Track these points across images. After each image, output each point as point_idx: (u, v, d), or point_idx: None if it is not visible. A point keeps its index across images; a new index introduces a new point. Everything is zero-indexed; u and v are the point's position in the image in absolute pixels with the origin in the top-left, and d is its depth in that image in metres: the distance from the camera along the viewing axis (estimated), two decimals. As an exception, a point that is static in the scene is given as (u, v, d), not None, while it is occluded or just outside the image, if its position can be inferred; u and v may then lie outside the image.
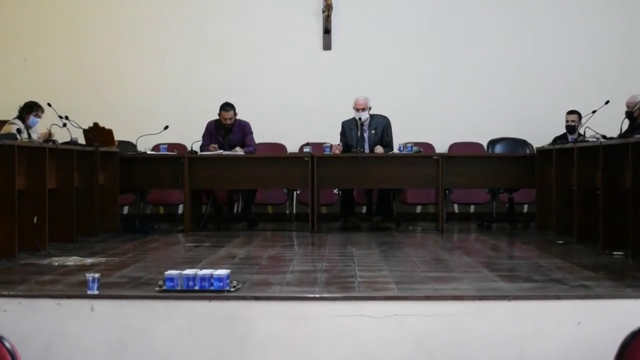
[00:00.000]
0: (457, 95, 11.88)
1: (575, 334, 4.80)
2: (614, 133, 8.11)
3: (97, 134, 9.60)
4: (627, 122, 8.96)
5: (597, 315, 4.87)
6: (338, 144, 10.26)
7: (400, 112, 11.19)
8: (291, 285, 5.53)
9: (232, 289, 5.09)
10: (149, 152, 10.41)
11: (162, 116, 11.23)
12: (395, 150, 10.18)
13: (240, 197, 11.08)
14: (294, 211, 11.53)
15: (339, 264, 6.92)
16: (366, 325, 4.82)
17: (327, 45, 12.00)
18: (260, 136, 10.81)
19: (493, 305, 4.92)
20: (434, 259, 7.36)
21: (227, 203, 10.98)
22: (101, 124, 9.74)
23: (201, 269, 5.30)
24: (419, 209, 11.93)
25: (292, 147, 11.65)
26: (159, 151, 10.37)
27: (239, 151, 10.28)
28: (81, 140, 9.39)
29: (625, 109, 9.20)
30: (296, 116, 11.78)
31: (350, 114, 10.50)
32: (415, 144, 10.24)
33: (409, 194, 11.63)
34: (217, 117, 10.59)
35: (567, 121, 10.25)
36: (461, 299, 4.99)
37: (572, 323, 4.83)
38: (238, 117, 10.60)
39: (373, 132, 10.43)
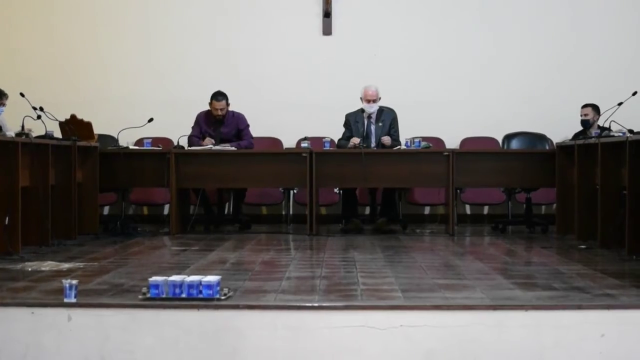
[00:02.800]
0: (469, 86, 11.88)
1: (599, 347, 4.80)
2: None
3: (75, 126, 9.59)
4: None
5: (623, 327, 4.88)
6: (356, 138, 10.25)
7: (407, 104, 11.19)
8: (287, 293, 5.53)
9: (223, 297, 5.09)
10: (131, 146, 10.40)
11: (146, 107, 11.22)
12: (403, 146, 10.17)
13: (231, 196, 11.08)
14: (291, 212, 11.53)
15: (339, 270, 6.92)
16: (370, 338, 4.82)
17: (327, 30, 12.00)
18: (254, 130, 10.79)
19: (508, 316, 4.92)
20: (444, 264, 7.37)
21: (217, 203, 10.98)
22: (79, 116, 9.73)
23: (189, 275, 5.30)
24: (427, 210, 11.94)
25: (289, 142, 11.65)
26: (143, 146, 10.36)
27: (229, 146, 10.25)
28: (57, 133, 9.38)
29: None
30: (293, 108, 11.78)
31: (352, 105, 10.50)
32: (424, 138, 10.23)
33: (416, 193, 11.64)
34: (207, 107, 10.57)
35: (581, 115, 10.26)
36: (474, 308, 4.99)
37: (596, 335, 4.83)
38: (231, 108, 10.59)
39: (380, 124, 10.42)
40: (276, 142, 11.77)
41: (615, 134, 8.54)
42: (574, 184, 9.30)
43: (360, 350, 4.82)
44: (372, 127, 10.44)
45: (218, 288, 5.08)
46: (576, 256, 7.84)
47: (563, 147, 9.86)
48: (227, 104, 10.52)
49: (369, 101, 10.36)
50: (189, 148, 10.26)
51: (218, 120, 10.55)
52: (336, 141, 10.76)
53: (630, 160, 7.55)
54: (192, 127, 10.62)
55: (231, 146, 10.25)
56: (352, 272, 6.65)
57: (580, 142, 9.24)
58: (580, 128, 10.28)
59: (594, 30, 11.89)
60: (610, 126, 8.94)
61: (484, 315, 4.93)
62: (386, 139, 10.23)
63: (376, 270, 6.78)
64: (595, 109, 10.11)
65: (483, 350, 4.82)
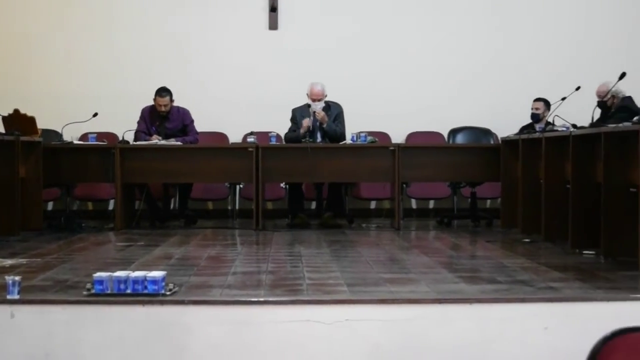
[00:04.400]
0: (415, 81, 11.93)
1: (542, 340, 4.85)
2: (587, 123, 8.19)
3: (18, 121, 9.49)
4: (598, 111, 9.07)
5: (566, 320, 4.93)
6: (307, 119, 10.28)
7: (354, 99, 11.21)
8: (233, 288, 5.52)
9: (168, 293, 5.07)
10: (76, 141, 10.33)
11: (90, 102, 11.10)
12: (348, 141, 10.20)
13: (177, 191, 11.03)
14: (237, 207, 11.51)
15: (285, 264, 6.93)
16: (315, 332, 4.83)
17: (273, 25, 11.98)
18: (199, 125, 10.76)
19: (453, 309, 4.96)
20: (390, 259, 7.40)
21: (162, 198, 10.94)
22: (22, 111, 9.63)
23: (134, 270, 5.27)
24: (373, 204, 11.97)
25: (235, 137, 11.62)
26: (87, 141, 10.30)
27: (174, 141, 10.21)
28: (0, 128, 9.29)
29: (595, 97, 9.34)
30: (239, 103, 11.76)
31: (299, 100, 10.51)
32: (370, 133, 10.26)
33: (362, 188, 11.67)
34: (152, 102, 10.53)
35: (532, 109, 10.35)
36: (419, 302, 5.02)
37: (539, 328, 4.88)
38: (175, 103, 10.55)
39: (326, 119, 10.44)
40: (222, 137, 11.74)
41: (559, 129, 8.62)
42: (518, 178, 9.39)
43: (306, 344, 4.82)
44: (318, 123, 10.45)
45: (163, 283, 5.06)
46: (520, 250, 7.91)
47: (508, 142, 9.94)
48: (171, 100, 10.48)
49: (314, 100, 10.37)
50: (135, 143, 10.20)
51: (163, 116, 10.50)
52: (282, 136, 10.76)
53: (573, 154, 7.62)
54: (138, 122, 10.57)
55: (176, 141, 10.21)
56: (298, 266, 6.66)
57: (525, 136, 9.32)
58: (525, 122, 10.37)
59: (538, 26, 11.99)
60: (554, 121, 9.03)
61: (429, 309, 4.96)
62: (319, 111, 10.25)
63: (322, 264, 6.80)
64: (547, 104, 10.20)
65: (428, 343, 4.84)
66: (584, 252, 7.34)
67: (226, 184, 11.41)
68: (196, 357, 4.82)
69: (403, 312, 4.92)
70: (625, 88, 9.07)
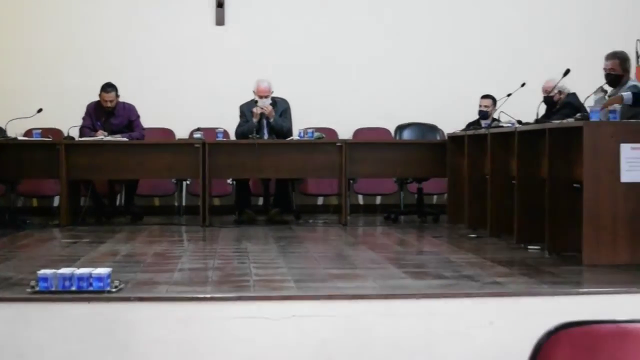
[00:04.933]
0: (362, 77, 11.95)
1: (487, 334, 4.88)
2: (532, 119, 8.25)
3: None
4: (543, 106, 9.16)
5: (511, 314, 4.97)
6: (257, 107, 10.27)
7: (300, 95, 11.21)
8: (179, 285, 5.50)
9: (114, 290, 5.04)
10: (20, 137, 10.22)
11: (35, 98, 11.02)
12: (295, 137, 10.19)
13: (123, 188, 10.96)
14: (184, 203, 11.47)
15: (232, 261, 6.91)
16: (262, 328, 4.82)
17: (220, 20, 11.94)
18: (145, 121, 10.70)
19: (400, 305, 4.97)
20: (337, 254, 7.41)
21: (108, 195, 10.86)
22: (-35, 106, 9.54)
23: (79, 267, 5.23)
24: (320, 200, 11.99)
25: (182, 133, 11.58)
26: (32, 137, 10.20)
27: (120, 137, 10.14)
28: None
29: (541, 93, 9.42)
30: (186, 99, 11.71)
31: (246, 96, 10.49)
32: (317, 129, 10.28)
33: (309, 184, 11.68)
34: (98, 98, 10.44)
35: (480, 106, 10.41)
36: (365, 298, 5.03)
37: (484, 323, 4.91)
38: (121, 99, 10.48)
39: (270, 120, 10.43)
40: (168, 133, 11.68)
41: (505, 125, 8.69)
42: (464, 174, 9.45)
43: (253, 340, 4.81)
44: (264, 120, 10.43)
45: (109, 280, 5.02)
46: (466, 245, 7.95)
47: (454, 138, 10.00)
48: (117, 96, 10.40)
49: (261, 96, 10.35)
50: (80, 139, 10.12)
51: (108, 112, 10.43)
52: (230, 132, 10.74)
53: (518, 150, 7.69)
54: (83, 118, 10.48)
55: (122, 137, 10.14)
56: (244, 263, 6.65)
57: (471, 132, 9.38)
58: (471, 118, 10.43)
59: (483, 23, 12.07)
60: (499, 117, 9.10)
61: (376, 304, 4.98)
62: (267, 105, 10.25)
63: (269, 261, 6.79)
64: (494, 101, 10.26)
65: (375, 339, 4.85)
66: (529, 247, 7.40)
67: (173, 180, 11.36)
68: (142, 354, 4.79)
69: (350, 307, 4.93)
70: (570, 84, 9.16)
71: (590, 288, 5.49)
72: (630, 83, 7.88)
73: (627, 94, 7.30)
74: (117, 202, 11.09)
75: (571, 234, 6.74)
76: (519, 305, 5.05)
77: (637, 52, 11.88)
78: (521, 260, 6.79)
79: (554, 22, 12.06)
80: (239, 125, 10.53)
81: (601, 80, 7.87)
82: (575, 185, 6.72)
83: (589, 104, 7.93)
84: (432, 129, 11.73)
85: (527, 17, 12.08)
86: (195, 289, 5.35)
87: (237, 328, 4.82)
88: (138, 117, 10.56)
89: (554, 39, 11.95)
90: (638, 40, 11.99)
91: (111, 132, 10.27)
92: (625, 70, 7.88)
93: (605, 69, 7.93)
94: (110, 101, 10.36)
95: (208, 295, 5.05)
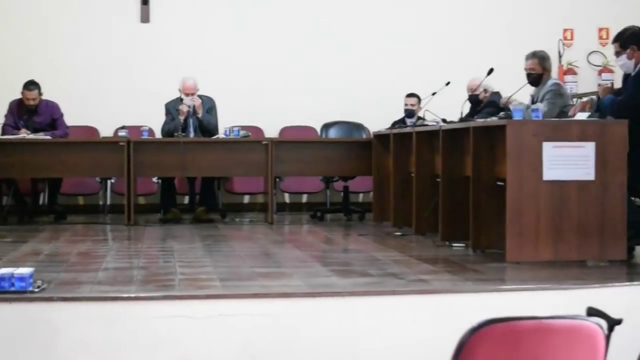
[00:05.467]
0: (288, 76, 11.93)
1: (412, 331, 4.92)
2: (457, 118, 8.33)
3: None
4: (467, 105, 9.26)
5: (435, 311, 5.02)
6: (185, 105, 10.21)
7: (226, 93, 11.16)
8: (104, 284, 5.45)
9: (37, 290, 4.97)
10: (-60, 135, 10.06)
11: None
12: (221, 135, 10.16)
13: (46, 186, 10.82)
14: (108, 202, 11.35)
15: (158, 260, 6.88)
16: (187, 327, 4.79)
17: (145, 18, 11.85)
18: (69, 119, 10.57)
19: (325, 303, 4.99)
20: (263, 253, 7.41)
21: (31, 193, 10.72)
22: None
23: (1, 267, 5.16)
24: (246, 198, 11.96)
25: (106, 131, 11.46)
26: (-48, 135, 10.03)
27: (43, 136, 10.01)
28: None
29: (466, 92, 9.52)
30: (110, 97, 11.59)
31: (171, 94, 10.42)
32: (243, 127, 10.25)
33: (235, 182, 11.65)
34: (20, 96, 10.30)
35: (405, 105, 10.47)
36: (291, 296, 5.04)
37: (409, 320, 4.95)
38: (44, 97, 10.35)
39: (199, 114, 10.38)
40: (93, 131, 11.56)
41: (429, 123, 8.76)
42: (389, 172, 9.49)
43: (178, 340, 4.79)
44: (190, 118, 10.38)
45: (31, 280, 4.95)
46: (392, 243, 8.01)
47: (379, 136, 10.05)
48: (40, 94, 10.26)
49: (187, 94, 10.30)
50: (2, 137, 9.97)
51: (31, 110, 10.28)
52: (156, 130, 10.68)
53: (443, 148, 7.75)
54: (5, 116, 10.33)
55: (45, 136, 10.02)
56: (170, 261, 6.62)
57: (396, 131, 9.44)
58: (397, 117, 10.49)
59: (409, 22, 12.14)
60: (424, 115, 9.17)
61: (302, 302, 4.99)
62: (196, 98, 10.21)
63: (195, 259, 6.77)
64: (419, 99, 10.32)
65: (300, 337, 4.86)
66: (454, 244, 7.46)
67: (97, 178, 11.24)
68: (66, 355, 4.74)
69: (276, 306, 4.94)
70: (494, 83, 9.27)
71: (513, 285, 5.56)
72: (552, 81, 7.99)
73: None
74: (40, 201, 10.94)
75: (495, 232, 6.82)
76: (444, 302, 5.10)
77: (559, 52, 12.07)
78: (445, 257, 6.85)
79: (477, 21, 12.17)
80: (165, 124, 10.47)
81: (524, 79, 7.96)
82: (499, 182, 6.80)
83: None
84: (358, 127, 11.77)
85: (451, 17, 12.17)
86: (119, 289, 5.30)
87: (163, 327, 4.80)
88: (61, 115, 10.44)
89: (478, 39, 12.05)
90: (560, 39, 12.18)
91: (34, 131, 10.13)
92: (545, 69, 7.97)
93: (525, 69, 8.02)
94: (33, 99, 10.22)
95: (133, 295, 5.02)
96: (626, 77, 6.93)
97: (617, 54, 6.90)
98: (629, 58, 6.76)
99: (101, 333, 4.77)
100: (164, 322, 4.81)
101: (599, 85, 7.35)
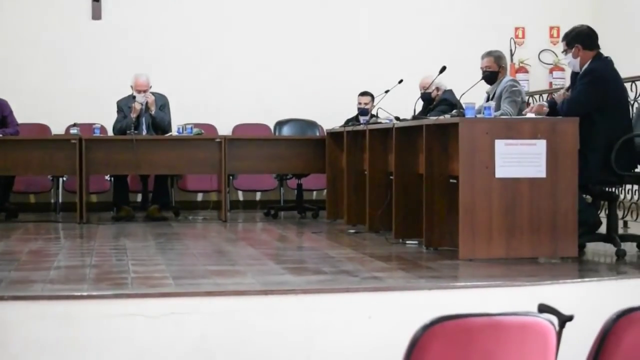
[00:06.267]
0: (242, 73, 11.92)
1: (366, 329, 4.94)
2: (410, 115, 8.37)
3: None
4: (420, 103, 9.30)
5: (389, 308, 5.03)
6: (137, 103, 10.14)
7: (180, 90, 11.14)
8: (56, 283, 5.42)
9: (-13, 289, 4.94)
10: None
11: None
12: (174, 132, 10.13)
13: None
14: (60, 200, 11.26)
15: (110, 258, 6.84)
16: (140, 326, 4.77)
17: (96, 15, 11.77)
18: (19, 116, 10.47)
19: (279, 300, 4.99)
20: (216, 251, 7.41)
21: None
22: None
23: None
24: (200, 196, 11.93)
25: (58, 129, 11.38)
26: None
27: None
28: None
29: (418, 90, 9.57)
30: (62, 94, 11.50)
31: (124, 91, 10.36)
32: (196, 125, 10.23)
33: (189, 180, 11.62)
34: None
35: (359, 103, 10.50)
36: (245, 294, 5.04)
37: (363, 317, 4.97)
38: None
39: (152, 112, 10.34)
40: (44, 128, 11.47)
41: (383, 121, 8.78)
42: (343, 170, 9.52)
43: (131, 339, 4.77)
44: (143, 116, 10.33)
45: (-18, 279, 4.92)
46: (345, 240, 8.02)
47: (333, 134, 10.07)
48: (-11, 92, 10.18)
49: (139, 91, 10.24)
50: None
51: (-20, 108, 10.20)
52: (108, 127, 10.62)
53: (396, 146, 7.77)
54: (-47, 114, 10.24)
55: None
56: (123, 260, 6.58)
57: (350, 128, 9.46)
58: (351, 114, 10.52)
59: (362, 19, 12.17)
60: (377, 113, 9.19)
61: (255, 300, 4.98)
62: (149, 95, 10.16)
63: (147, 258, 6.74)
64: (373, 98, 10.35)
65: (254, 335, 4.86)
66: (407, 242, 7.49)
67: (49, 176, 11.16)
68: (17, 354, 4.70)
69: (229, 304, 4.93)
70: (446, 81, 9.32)
71: (466, 282, 5.60)
72: (508, 79, 8.10)
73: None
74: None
75: (448, 229, 6.86)
76: (397, 299, 5.13)
77: (511, 50, 12.16)
78: (399, 255, 6.88)
79: (430, 20, 12.23)
80: (117, 121, 10.40)
81: (477, 77, 8.01)
82: (451, 180, 6.83)
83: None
84: (312, 125, 11.79)
85: (404, 15, 12.22)
86: (72, 287, 5.28)
87: (116, 326, 4.77)
88: (11, 112, 10.33)
89: (431, 37, 12.12)
90: (512, 38, 12.27)
91: (-17, 128, 10.04)
92: (501, 67, 8.08)
93: (481, 67, 8.12)
94: (-18, 96, 10.13)
95: (85, 293, 4.99)
96: (574, 75, 7.01)
97: (564, 52, 7.01)
98: (574, 57, 6.85)
99: (53, 332, 4.73)
100: (116, 321, 4.79)
101: (552, 94, 7.41)
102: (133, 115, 10.18)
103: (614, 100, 6.76)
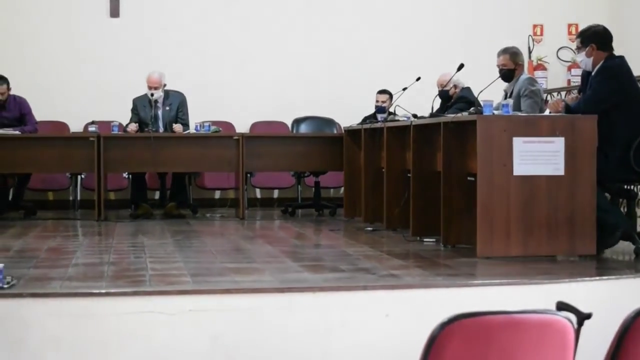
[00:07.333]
0: (260, 71, 11.92)
1: (383, 326, 4.93)
2: (427, 113, 8.35)
3: None
4: (438, 100, 9.29)
5: (406, 306, 5.02)
6: (134, 124, 10.15)
7: (197, 88, 11.15)
8: (74, 280, 5.43)
9: (6, 286, 4.94)
10: None
11: None
12: (192, 130, 10.14)
13: (16, 182, 10.75)
14: (78, 198, 11.29)
15: (128, 255, 6.86)
16: (158, 323, 4.78)
17: (114, 12, 11.80)
18: (38, 114, 10.52)
19: (297, 298, 4.99)
20: (234, 248, 7.41)
21: (1, 189, 10.65)
22: None
23: (-30, 263, 5.13)
24: (217, 194, 11.95)
25: (76, 127, 11.42)
26: None
27: (12, 131, 9.95)
28: None
29: (436, 87, 9.54)
30: (81, 92, 11.54)
31: (141, 89, 10.38)
32: (214, 122, 10.24)
33: (206, 178, 11.63)
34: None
35: (377, 101, 10.48)
36: (262, 291, 5.04)
37: (380, 315, 4.96)
38: (13, 92, 10.28)
39: (167, 109, 10.35)
40: (62, 126, 11.51)
41: (401, 119, 8.77)
42: (360, 168, 9.51)
43: (149, 336, 4.77)
44: (160, 112, 10.36)
45: (1, 276, 4.93)
46: (363, 238, 8.01)
47: (350, 132, 10.06)
48: (9, 88, 10.20)
49: (150, 88, 10.25)
50: (-30, 132, 9.91)
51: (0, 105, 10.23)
52: (124, 125, 10.64)
53: (414, 143, 7.76)
54: (-26, 111, 10.27)
55: (14, 131, 9.96)
56: (141, 257, 6.60)
57: (367, 126, 9.44)
58: (368, 112, 10.50)
59: (379, 18, 12.15)
60: (395, 110, 9.18)
61: (273, 297, 4.98)
62: (177, 127, 10.17)
63: (165, 255, 6.75)
64: (391, 96, 10.34)
65: (272, 332, 4.86)
66: (425, 239, 7.48)
67: (67, 174, 11.19)
68: (35, 351, 4.71)
69: (247, 301, 4.93)
70: (464, 79, 9.30)
71: (484, 280, 5.57)
72: (525, 76, 8.04)
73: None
74: (10, 197, 10.86)
75: (466, 227, 6.85)
76: (415, 297, 5.12)
77: (529, 47, 12.12)
78: (416, 252, 6.87)
79: (448, 17, 12.20)
80: (129, 122, 10.37)
81: (495, 75, 7.98)
82: (469, 178, 6.82)
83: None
84: (329, 122, 11.78)
85: (421, 12, 12.20)
86: (90, 285, 5.29)
87: (133, 323, 4.78)
88: (30, 110, 10.38)
89: (449, 34, 12.09)
90: (530, 35, 12.24)
91: (2, 126, 10.06)
92: (517, 64, 8.01)
93: (498, 65, 8.07)
94: (2, 94, 10.15)
95: (103, 291, 5.00)
96: (585, 75, 6.98)
97: (578, 49, 6.98)
98: (588, 56, 6.81)
99: (71, 329, 4.75)
100: (134, 318, 4.80)
101: (570, 91, 7.35)
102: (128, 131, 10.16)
103: (631, 97, 6.72)
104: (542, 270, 5.81)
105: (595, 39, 6.82)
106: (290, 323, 4.89)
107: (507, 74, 8.00)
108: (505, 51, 8.05)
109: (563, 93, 10.52)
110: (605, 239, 6.57)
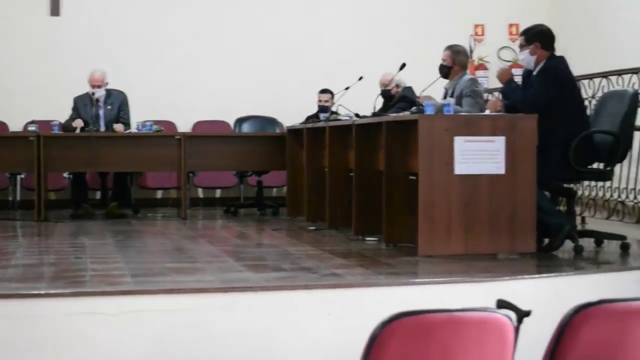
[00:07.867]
0: (202, 70, 11.88)
1: (325, 325, 4.93)
2: (370, 112, 8.37)
3: None
4: (380, 100, 9.32)
5: (348, 305, 5.04)
6: (79, 120, 10.06)
7: (139, 87, 11.07)
8: (13, 281, 5.37)
9: (-57, 287, 4.89)
10: None
11: None
12: (133, 129, 10.08)
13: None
14: (18, 198, 11.17)
15: (69, 256, 6.80)
16: (99, 324, 4.74)
17: (55, 11, 11.68)
18: (-23, 113, 10.42)
19: (239, 298, 4.98)
20: (176, 248, 7.38)
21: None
22: None
23: None
24: (159, 194, 11.89)
25: (16, 126, 11.29)
26: None
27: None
28: None
29: (379, 87, 9.58)
30: (20, 91, 11.40)
31: (81, 88, 10.29)
32: (156, 122, 10.19)
33: (148, 177, 11.57)
34: None
35: (319, 100, 10.51)
36: (204, 291, 5.02)
37: (323, 314, 4.97)
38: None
39: (109, 108, 10.28)
40: (1, 125, 11.37)
41: (343, 118, 8.79)
42: (303, 167, 9.52)
43: (90, 337, 4.73)
44: (101, 111, 10.28)
45: (-62, 278, 4.87)
46: (305, 237, 8.01)
47: (293, 131, 10.07)
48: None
49: (93, 86, 10.17)
50: None
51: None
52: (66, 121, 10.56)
53: (356, 143, 7.78)
54: None
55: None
56: (81, 258, 6.54)
57: (310, 125, 9.45)
58: (311, 112, 10.51)
59: (322, 18, 12.16)
60: (337, 110, 9.20)
61: (215, 297, 4.97)
62: (118, 127, 10.09)
63: (106, 255, 6.70)
64: (333, 95, 10.36)
65: (214, 332, 4.84)
66: (367, 238, 7.51)
67: (6, 174, 11.05)
68: (-26, 353, 4.66)
69: (189, 301, 4.91)
70: (406, 78, 9.34)
71: (425, 278, 5.61)
72: (468, 77, 8.08)
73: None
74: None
75: (407, 226, 6.89)
76: (357, 296, 5.13)
77: (470, 47, 12.19)
78: (359, 251, 6.89)
79: (390, 17, 12.25)
80: (66, 120, 10.27)
81: (437, 74, 8.02)
82: (411, 177, 6.85)
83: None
84: (272, 122, 11.77)
85: (363, 12, 12.22)
86: (30, 285, 5.24)
87: (74, 324, 4.74)
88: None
89: (390, 34, 12.13)
90: (471, 35, 12.32)
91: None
92: (456, 62, 8.01)
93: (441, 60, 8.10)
94: (-61, 93, 10.03)
95: (43, 292, 4.95)
96: (527, 74, 7.04)
97: (521, 47, 7.04)
98: (531, 54, 6.89)
99: (10, 331, 4.69)
100: (75, 319, 4.76)
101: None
102: (71, 128, 10.06)
103: (571, 97, 6.81)
104: (483, 268, 5.85)
105: (540, 37, 6.90)
106: (233, 323, 4.88)
107: (443, 70, 8.02)
108: (449, 48, 8.10)
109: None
110: (550, 243, 6.64)
